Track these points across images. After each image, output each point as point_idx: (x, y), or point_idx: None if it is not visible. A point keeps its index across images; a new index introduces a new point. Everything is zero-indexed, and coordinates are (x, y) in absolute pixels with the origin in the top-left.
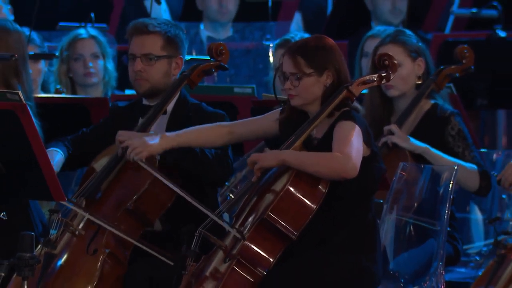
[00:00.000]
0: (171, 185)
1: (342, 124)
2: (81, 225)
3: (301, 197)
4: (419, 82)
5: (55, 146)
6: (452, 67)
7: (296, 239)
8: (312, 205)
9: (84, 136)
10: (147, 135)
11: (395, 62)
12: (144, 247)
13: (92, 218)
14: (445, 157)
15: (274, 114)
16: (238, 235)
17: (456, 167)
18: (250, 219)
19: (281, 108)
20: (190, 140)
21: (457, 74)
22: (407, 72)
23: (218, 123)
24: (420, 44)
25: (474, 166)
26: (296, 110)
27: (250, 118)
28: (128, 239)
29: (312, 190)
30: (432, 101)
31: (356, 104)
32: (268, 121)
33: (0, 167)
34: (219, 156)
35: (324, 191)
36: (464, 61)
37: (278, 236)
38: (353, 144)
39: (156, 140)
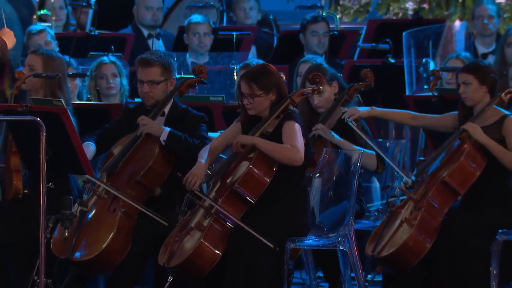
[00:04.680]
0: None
1: (289, 123)
2: (104, 192)
3: (260, 174)
4: (336, 97)
5: (89, 140)
6: (359, 83)
7: (255, 203)
8: (267, 179)
9: (106, 130)
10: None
11: (323, 80)
12: (141, 208)
13: (109, 188)
14: (353, 146)
15: (236, 124)
16: (212, 203)
17: (362, 152)
18: (223, 188)
19: (239, 117)
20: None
21: (362, 89)
22: (328, 94)
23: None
24: (333, 71)
25: (373, 152)
26: (252, 115)
27: (220, 134)
28: (132, 203)
29: (267, 169)
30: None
31: (293, 108)
32: (233, 130)
33: (48, 151)
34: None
35: (275, 169)
36: (367, 80)
37: (242, 201)
38: (299, 139)
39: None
